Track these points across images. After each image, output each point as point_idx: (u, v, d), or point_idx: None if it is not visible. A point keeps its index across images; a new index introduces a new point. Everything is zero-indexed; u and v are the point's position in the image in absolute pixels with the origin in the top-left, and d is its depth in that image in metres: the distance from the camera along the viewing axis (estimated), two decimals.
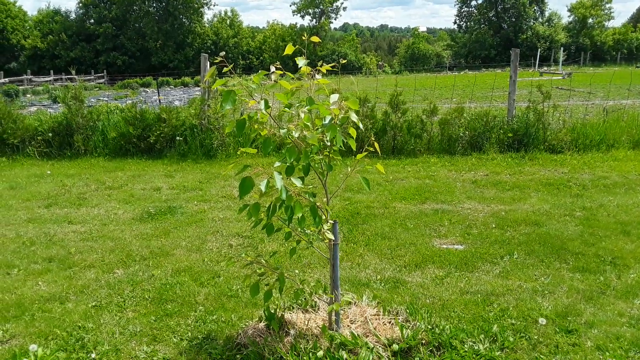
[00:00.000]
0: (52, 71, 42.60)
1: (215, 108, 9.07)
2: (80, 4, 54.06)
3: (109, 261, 4.50)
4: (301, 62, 2.73)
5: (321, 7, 57.67)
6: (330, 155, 2.88)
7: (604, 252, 4.41)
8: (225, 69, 2.70)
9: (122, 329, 3.38)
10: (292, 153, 2.64)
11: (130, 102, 10.10)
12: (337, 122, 2.72)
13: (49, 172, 8.06)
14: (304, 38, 2.83)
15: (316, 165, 2.90)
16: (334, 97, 2.70)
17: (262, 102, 2.63)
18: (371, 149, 2.91)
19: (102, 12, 52.77)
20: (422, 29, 71.27)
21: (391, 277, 4.04)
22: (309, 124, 2.71)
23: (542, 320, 3.32)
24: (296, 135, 2.64)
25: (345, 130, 2.85)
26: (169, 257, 4.58)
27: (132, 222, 5.56)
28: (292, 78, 2.81)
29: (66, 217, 5.74)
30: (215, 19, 58.25)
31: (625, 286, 3.79)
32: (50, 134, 9.28)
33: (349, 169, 3.03)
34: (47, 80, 36.12)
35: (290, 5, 58.47)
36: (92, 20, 53.48)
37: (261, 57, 55.49)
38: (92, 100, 19.13)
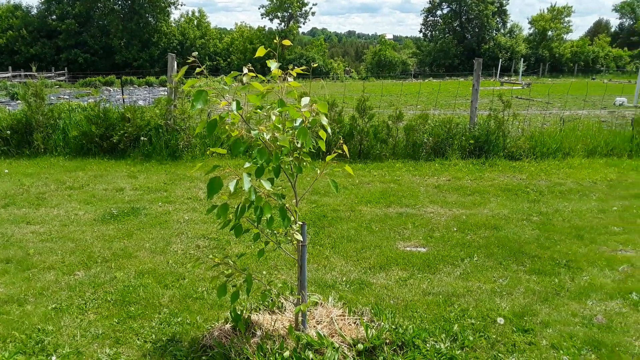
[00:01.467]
0: (10, 67, 41.10)
1: (182, 108, 8.98)
2: (43, 0, 52.45)
3: (70, 263, 4.40)
4: (273, 65, 2.75)
5: (290, 11, 57.78)
6: (301, 157, 2.92)
7: (559, 255, 4.61)
8: (197, 70, 2.70)
9: (83, 331, 3.32)
10: (263, 154, 2.66)
11: (92, 100, 9.87)
12: (308, 124, 2.76)
13: (6, 171, 7.79)
14: (275, 41, 2.87)
15: (286, 167, 2.94)
16: (305, 100, 2.74)
17: (234, 103, 2.65)
18: (339, 151, 2.97)
19: (65, 8, 51.37)
20: (389, 36, 72.35)
21: (357, 279, 4.11)
22: (279, 126, 2.75)
23: (500, 320, 3.45)
24: (267, 136, 2.67)
25: (315, 133, 2.90)
26: (132, 259, 4.51)
27: (93, 223, 5.44)
28: (263, 81, 2.84)
29: (24, 218, 5.57)
30: (182, 19, 57.52)
31: (578, 288, 3.98)
32: (8, 132, 8.96)
33: (318, 172, 3.08)
34: (5, 77, 34.82)
35: (259, 8, 58.45)
36: (54, 17, 51.99)
37: (229, 59, 55.10)
38: (53, 98, 18.57)
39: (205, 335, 3.21)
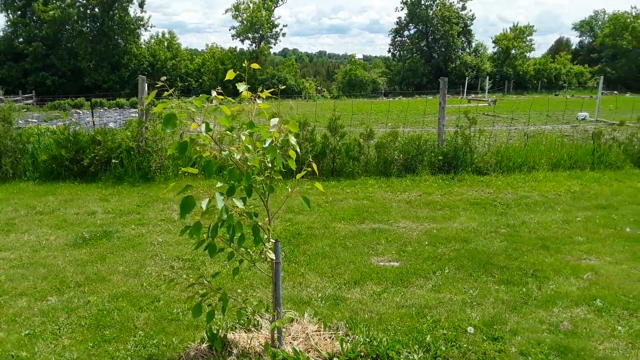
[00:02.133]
0: None
1: (154, 130, 8.96)
2: (9, 22, 51.58)
3: (42, 288, 4.34)
4: (242, 87, 2.84)
5: (260, 32, 58.20)
6: (272, 176, 2.99)
7: (526, 265, 4.77)
8: (166, 93, 2.76)
9: (58, 356, 3.28)
10: (234, 175, 2.73)
11: (61, 123, 9.76)
12: (278, 144, 2.85)
13: None
14: (244, 64, 2.96)
15: (258, 186, 3.01)
16: (274, 121, 2.83)
17: (203, 125, 2.71)
18: (309, 169, 3.06)
19: (32, 30, 50.57)
20: (359, 56, 73.60)
21: (332, 295, 4.17)
22: (250, 146, 2.82)
23: (471, 330, 3.55)
24: (238, 157, 2.74)
25: (286, 153, 2.98)
26: (105, 282, 4.48)
27: (65, 248, 5.37)
28: (233, 102, 2.91)
29: None
30: (152, 40, 57.31)
31: (545, 296, 4.12)
32: None
33: (290, 190, 3.16)
34: None
35: (230, 29, 58.36)
36: (21, 39, 51.10)
37: (200, 80, 54.97)
38: (20, 121, 18.17)
39: (182, 356, 3.22)
